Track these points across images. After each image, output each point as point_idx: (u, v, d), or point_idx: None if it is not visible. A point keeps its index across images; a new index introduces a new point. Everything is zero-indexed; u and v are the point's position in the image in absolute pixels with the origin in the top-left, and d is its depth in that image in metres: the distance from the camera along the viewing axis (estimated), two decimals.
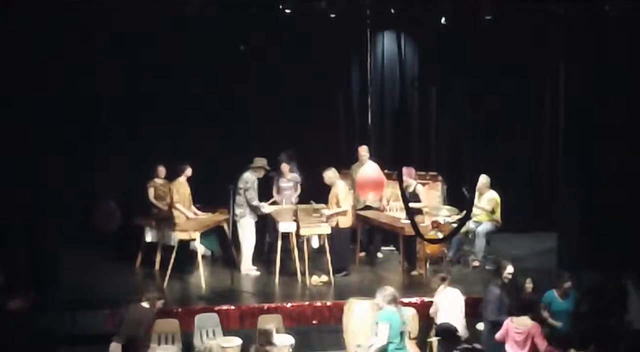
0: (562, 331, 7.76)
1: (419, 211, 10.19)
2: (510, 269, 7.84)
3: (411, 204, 9.65)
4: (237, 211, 9.96)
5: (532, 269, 9.17)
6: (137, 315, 7.17)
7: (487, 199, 10.46)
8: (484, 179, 10.51)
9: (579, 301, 8.04)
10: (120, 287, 9.30)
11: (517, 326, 7.10)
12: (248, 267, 10.19)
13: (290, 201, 10.95)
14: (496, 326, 7.43)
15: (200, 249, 10.03)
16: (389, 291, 7.08)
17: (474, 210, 10.35)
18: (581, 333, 7.74)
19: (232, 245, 10.34)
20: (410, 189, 10.34)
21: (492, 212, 10.49)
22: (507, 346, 7.23)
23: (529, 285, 8.00)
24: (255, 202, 10.04)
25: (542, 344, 7.02)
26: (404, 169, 10.17)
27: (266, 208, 10.35)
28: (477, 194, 10.51)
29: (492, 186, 10.58)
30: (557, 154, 11.52)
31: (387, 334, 6.84)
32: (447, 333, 6.53)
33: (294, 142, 11.50)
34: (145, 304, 7.25)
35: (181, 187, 10.08)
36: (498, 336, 7.29)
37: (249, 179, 10.03)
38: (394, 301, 7.01)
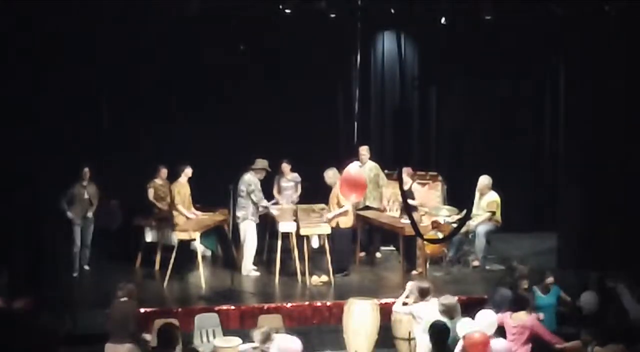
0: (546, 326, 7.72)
1: (414, 209, 10.18)
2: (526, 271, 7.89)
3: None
4: (239, 213, 9.92)
5: (532, 269, 9.15)
6: (120, 311, 7.18)
7: (487, 201, 10.43)
8: (484, 180, 10.48)
9: (560, 297, 8.04)
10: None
11: (514, 321, 7.13)
12: (249, 269, 10.18)
13: (290, 200, 10.95)
14: None
15: (200, 249, 10.02)
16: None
17: (474, 210, 10.36)
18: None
19: (232, 245, 10.34)
20: (406, 187, 10.35)
21: (493, 213, 10.47)
22: None
23: (550, 278, 8.02)
24: (264, 203, 10.08)
25: (546, 334, 7.07)
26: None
27: (274, 209, 10.37)
28: (477, 194, 10.50)
29: (493, 186, 10.56)
30: (557, 154, 11.52)
31: None
32: (439, 330, 6.50)
33: (294, 142, 11.51)
34: (124, 298, 7.27)
35: (182, 188, 10.10)
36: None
37: (252, 180, 9.97)
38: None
